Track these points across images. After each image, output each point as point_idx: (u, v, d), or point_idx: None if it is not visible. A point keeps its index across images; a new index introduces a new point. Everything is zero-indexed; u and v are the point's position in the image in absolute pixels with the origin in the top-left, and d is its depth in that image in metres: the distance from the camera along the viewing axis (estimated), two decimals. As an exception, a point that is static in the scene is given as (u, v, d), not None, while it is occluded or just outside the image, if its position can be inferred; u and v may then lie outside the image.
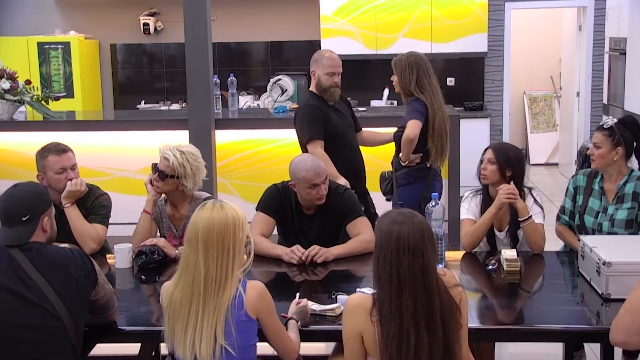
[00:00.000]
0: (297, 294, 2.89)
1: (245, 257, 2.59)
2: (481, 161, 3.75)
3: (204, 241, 2.50)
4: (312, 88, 4.63)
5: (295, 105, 7.19)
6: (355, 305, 2.43)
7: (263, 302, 2.55)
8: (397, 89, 4.59)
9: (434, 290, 2.32)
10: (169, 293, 2.55)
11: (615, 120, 3.66)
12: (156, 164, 3.77)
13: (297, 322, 2.74)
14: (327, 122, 4.50)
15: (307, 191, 3.66)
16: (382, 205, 4.64)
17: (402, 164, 4.47)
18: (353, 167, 4.56)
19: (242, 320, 2.50)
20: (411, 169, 4.48)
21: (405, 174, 4.50)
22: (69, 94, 8.64)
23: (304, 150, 4.45)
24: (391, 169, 4.65)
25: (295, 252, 3.54)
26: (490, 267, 3.40)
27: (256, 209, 3.79)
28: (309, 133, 4.45)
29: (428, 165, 4.49)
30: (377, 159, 5.32)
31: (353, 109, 5.01)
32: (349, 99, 5.00)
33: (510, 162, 3.67)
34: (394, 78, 4.56)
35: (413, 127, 4.34)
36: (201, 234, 2.50)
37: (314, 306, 2.88)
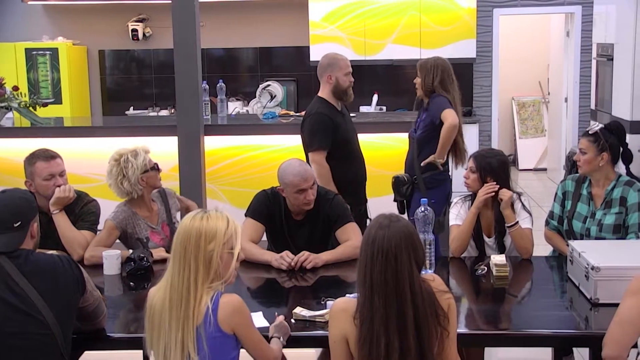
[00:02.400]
0: (276, 314, 2.81)
1: (220, 269, 2.48)
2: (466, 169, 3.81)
3: (176, 249, 2.49)
4: (323, 94, 4.60)
5: (285, 111, 7.22)
6: (340, 309, 2.44)
7: (238, 317, 2.48)
8: (419, 92, 4.65)
9: (406, 295, 2.31)
10: (150, 298, 2.54)
11: (601, 125, 3.68)
12: (156, 163, 3.87)
13: (280, 338, 2.68)
14: (337, 130, 4.51)
15: (294, 196, 3.66)
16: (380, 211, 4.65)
17: (424, 163, 4.54)
18: (359, 174, 4.62)
19: (216, 337, 2.44)
20: (436, 172, 4.58)
21: (432, 177, 4.58)
22: (57, 100, 8.60)
23: (307, 156, 4.49)
24: (402, 173, 4.69)
25: (284, 258, 3.53)
26: (479, 272, 3.41)
27: (245, 215, 3.79)
28: (318, 143, 4.45)
29: (447, 169, 4.67)
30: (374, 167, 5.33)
31: (352, 114, 5.05)
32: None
33: (492, 170, 3.70)
34: (417, 80, 4.65)
35: (453, 115, 4.45)
36: (175, 241, 2.49)
37: (304, 312, 2.88)
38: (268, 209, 3.77)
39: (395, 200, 4.72)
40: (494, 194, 3.66)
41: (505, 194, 3.65)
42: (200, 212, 2.54)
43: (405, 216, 3.94)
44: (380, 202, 5.29)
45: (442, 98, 4.54)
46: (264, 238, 3.86)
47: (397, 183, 4.64)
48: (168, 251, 3.74)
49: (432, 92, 4.57)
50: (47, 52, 8.65)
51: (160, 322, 2.47)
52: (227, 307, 2.46)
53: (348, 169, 4.52)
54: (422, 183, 4.55)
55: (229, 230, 2.51)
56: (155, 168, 3.87)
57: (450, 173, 4.78)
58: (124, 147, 3.87)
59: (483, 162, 3.72)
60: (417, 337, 2.32)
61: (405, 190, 4.58)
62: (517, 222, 3.63)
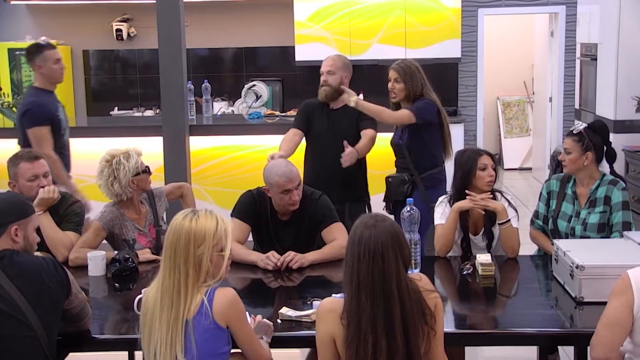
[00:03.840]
0: (252, 316, 2.77)
1: (211, 270, 2.50)
2: (475, 167, 3.73)
3: (165, 250, 2.50)
4: None
5: (270, 111, 7.22)
6: (327, 309, 2.44)
7: (233, 310, 2.50)
8: (401, 96, 4.51)
9: (393, 294, 2.32)
10: (144, 296, 2.55)
11: (585, 125, 3.70)
12: (147, 166, 3.85)
13: (263, 338, 2.68)
14: (311, 121, 4.69)
15: (280, 196, 3.66)
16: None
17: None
18: (324, 172, 4.55)
19: (210, 329, 2.46)
20: (434, 172, 4.55)
21: (431, 176, 4.53)
22: (41, 100, 8.54)
23: None
24: (394, 172, 4.65)
25: (270, 259, 3.53)
26: (465, 272, 3.42)
27: (231, 216, 3.78)
28: (293, 122, 4.78)
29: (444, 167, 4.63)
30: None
31: None
32: None
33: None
34: (397, 85, 4.50)
35: (408, 115, 4.43)
36: (165, 241, 2.51)
37: (289, 312, 2.88)
38: (254, 209, 3.77)
39: (385, 200, 4.65)
40: (480, 208, 3.67)
41: (497, 206, 3.66)
42: (189, 212, 2.55)
43: (393, 217, 3.93)
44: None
45: (426, 101, 4.48)
46: (250, 238, 3.86)
47: (398, 183, 4.54)
48: (154, 253, 3.75)
49: (418, 97, 4.48)
50: (31, 52, 8.59)
51: (152, 321, 2.48)
52: (222, 299, 2.48)
53: (311, 164, 4.66)
54: (420, 183, 4.52)
55: (218, 232, 2.51)
56: (147, 171, 3.86)
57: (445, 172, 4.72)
58: (117, 148, 3.84)
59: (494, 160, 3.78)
60: (405, 336, 2.33)
61: (407, 189, 4.49)
62: (510, 219, 3.65)
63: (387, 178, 4.64)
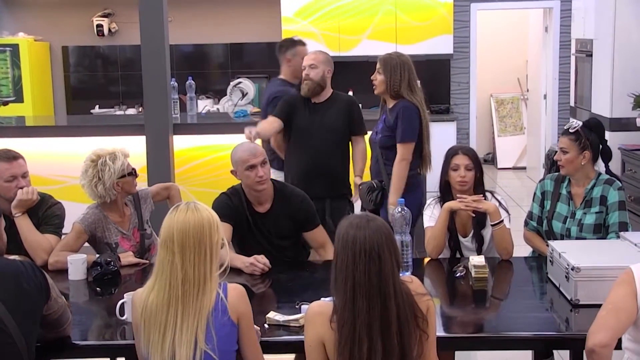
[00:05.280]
0: None
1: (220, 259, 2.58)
2: (448, 166, 3.76)
3: (180, 244, 2.49)
4: None
5: (257, 109, 7.21)
6: (316, 313, 2.45)
7: (245, 305, 2.57)
8: (381, 89, 4.45)
9: (390, 295, 2.34)
10: (142, 299, 2.53)
11: (580, 123, 3.71)
12: (133, 168, 3.84)
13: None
14: (293, 115, 4.73)
15: (246, 174, 3.70)
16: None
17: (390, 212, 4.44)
18: (307, 168, 4.62)
19: (226, 325, 2.50)
20: (409, 177, 4.38)
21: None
22: (19, 98, 8.52)
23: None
24: (369, 179, 4.56)
25: (255, 265, 3.52)
26: (458, 274, 3.43)
27: None
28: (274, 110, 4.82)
29: (419, 172, 4.53)
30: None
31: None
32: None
33: (480, 165, 3.77)
34: (379, 77, 4.44)
35: (408, 150, 4.36)
36: (177, 236, 2.50)
37: (277, 317, 2.88)
38: (230, 207, 3.78)
39: (363, 210, 4.54)
40: (469, 210, 3.68)
41: (489, 207, 3.67)
42: (185, 204, 2.57)
43: None
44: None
45: (410, 110, 4.36)
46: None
47: (366, 190, 4.47)
48: (138, 257, 3.74)
49: (396, 93, 4.40)
50: (7, 49, 8.56)
51: (162, 322, 2.47)
52: (236, 293, 2.56)
53: (292, 158, 4.72)
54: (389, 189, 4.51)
55: (217, 220, 2.60)
56: (133, 173, 3.84)
57: (421, 175, 4.65)
58: (103, 148, 3.81)
59: (476, 158, 3.77)
60: (400, 337, 2.34)
61: (376, 197, 4.42)
62: (502, 220, 3.66)
63: (358, 186, 4.63)
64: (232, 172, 3.82)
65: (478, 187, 3.77)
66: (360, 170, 4.80)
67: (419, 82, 4.51)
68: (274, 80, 5.58)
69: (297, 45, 5.38)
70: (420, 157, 4.47)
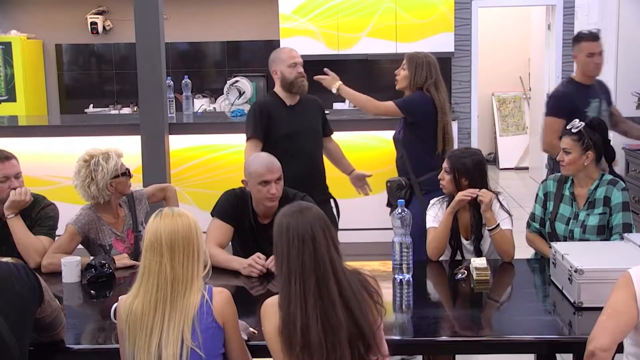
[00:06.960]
0: None
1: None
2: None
3: (169, 245, 2.52)
4: (276, 89, 4.66)
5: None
6: (269, 305, 2.53)
7: (230, 308, 2.60)
8: (403, 84, 4.64)
9: (327, 271, 2.43)
10: (127, 305, 2.55)
11: (582, 123, 3.71)
12: (127, 168, 3.84)
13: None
14: (272, 123, 4.52)
15: (257, 188, 3.64)
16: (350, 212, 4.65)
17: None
18: (301, 173, 4.37)
19: (211, 327, 2.53)
20: (432, 175, 4.39)
21: (430, 179, 4.46)
22: (11, 97, 8.52)
23: None
24: (396, 176, 4.65)
25: (254, 266, 3.50)
26: (459, 276, 3.43)
27: (211, 215, 3.76)
28: (247, 131, 4.57)
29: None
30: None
31: (326, 111, 4.99)
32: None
33: (466, 171, 3.73)
34: (403, 72, 4.64)
35: (390, 106, 4.55)
36: (165, 238, 2.53)
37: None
38: (234, 209, 3.75)
39: (388, 205, 4.65)
40: (470, 199, 3.68)
41: (485, 196, 3.66)
42: (169, 209, 2.62)
43: None
44: (355, 203, 5.32)
45: (422, 95, 4.54)
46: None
47: (395, 188, 4.57)
48: (133, 259, 3.73)
49: (419, 89, 4.56)
50: (0, 47, 8.55)
51: (148, 324, 2.50)
52: (221, 297, 2.59)
53: (287, 166, 4.47)
54: (417, 186, 4.54)
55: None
56: (127, 174, 3.84)
57: None
58: (96, 148, 3.82)
59: (457, 163, 3.74)
60: (350, 312, 2.41)
61: (404, 194, 4.51)
62: (498, 224, 3.66)
63: (386, 182, 4.69)
64: (243, 181, 3.75)
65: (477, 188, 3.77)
66: (350, 164, 4.86)
67: (443, 83, 4.68)
68: (566, 79, 5.48)
69: (583, 41, 5.05)
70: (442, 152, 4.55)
